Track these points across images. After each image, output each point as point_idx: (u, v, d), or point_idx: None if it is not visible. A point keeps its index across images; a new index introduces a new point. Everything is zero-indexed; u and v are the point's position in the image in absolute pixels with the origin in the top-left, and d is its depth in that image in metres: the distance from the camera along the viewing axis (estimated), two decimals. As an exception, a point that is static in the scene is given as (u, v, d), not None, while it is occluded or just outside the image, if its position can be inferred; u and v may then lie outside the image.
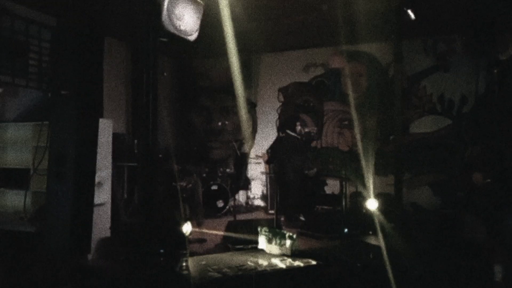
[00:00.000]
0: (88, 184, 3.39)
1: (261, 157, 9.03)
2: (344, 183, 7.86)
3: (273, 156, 7.65)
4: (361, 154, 8.17)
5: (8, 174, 5.64)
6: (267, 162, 8.34)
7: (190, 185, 7.88)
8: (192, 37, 4.17)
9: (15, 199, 5.55)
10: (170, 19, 3.86)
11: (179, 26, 3.98)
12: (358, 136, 8.44)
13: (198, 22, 4.19)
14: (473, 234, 5.03)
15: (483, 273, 4.30)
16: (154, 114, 3.47)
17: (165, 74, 8.67)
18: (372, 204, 5.96)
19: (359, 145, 8.37)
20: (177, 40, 4.14)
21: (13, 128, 5.82)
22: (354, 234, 6.08)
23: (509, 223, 4.91)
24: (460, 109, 7.65)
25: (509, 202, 4.94)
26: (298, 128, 7.66)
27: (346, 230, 6.14)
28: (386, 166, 7.92)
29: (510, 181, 4.86)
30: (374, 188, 7.96)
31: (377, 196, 7.63)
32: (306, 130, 7.99)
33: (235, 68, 7.66)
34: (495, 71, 4.95)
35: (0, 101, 6.13)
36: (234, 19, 6.09)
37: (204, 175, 8.23)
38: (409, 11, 5.97)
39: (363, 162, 7.51)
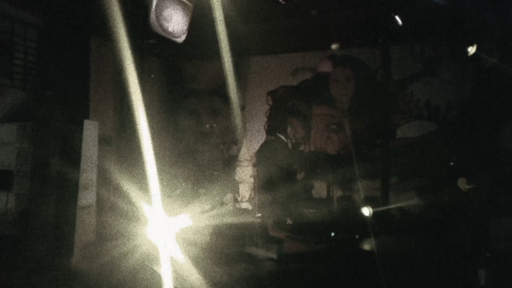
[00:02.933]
0: (72, 187, 3.34)
1: (249, 160, 9.02)
2: (331, 187, 7.88)
3: (261, 159, 7.65)
4: (349, 158, 8.22)
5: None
6: (255, 165, 8.34)
7: (179, 191, 7.85)
8: (180, 39, 4.15)
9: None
10: (158, 21, 3.84)
11: (167, 28, 3.96)
12: (345, 141, 8.48)
13: (187, 24, 4.18)
14: (458, 239, 5.08)
15: (468, 277, 4.34)
16: (139, 116, 3.44)
17: (152, 76, 8.60)
18: (366, 211, 6.04)
19: (347, 149, 8.42)
20: (165, 41, 4.12)
21: (-3, 128, 5.71)
22: (341, 238, 6.10)
23: (494, 228, 4.97)
24: (447, 114, 7.73)
25: (494, 207, 4.99)
26: (289, 131, 7.68)
27: (333, 234, 6.16)
28: (373, 170, 7.96)
29: (495, 186, 4.91)
30: (362, 192, 8.04)
31: (364, 200, 7.70)
32: (297, 134, 8.01)
33: (226, 71, 7.63)
34: (481, 77, 5.03)
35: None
36: (223, 21, 6.07)
37: (192, 178, 8.19)
38: (397, 17, 6.03)
39: (350, 166, 7.55)
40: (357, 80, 8.50)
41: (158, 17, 3.85)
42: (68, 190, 3.28)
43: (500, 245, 4.89)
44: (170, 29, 4.05)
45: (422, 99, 7.96)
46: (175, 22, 4.07)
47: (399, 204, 7.74)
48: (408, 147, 7.97)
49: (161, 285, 3.41)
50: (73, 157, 3.37)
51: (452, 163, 6.22)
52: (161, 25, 3.88)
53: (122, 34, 3.71)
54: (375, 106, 8.02)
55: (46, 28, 3.61)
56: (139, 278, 3.46)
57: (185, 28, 4.15)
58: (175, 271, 3.83)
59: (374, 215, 6.40)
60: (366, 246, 5.29)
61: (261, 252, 4.99)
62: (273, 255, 4.85)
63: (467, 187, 5.23)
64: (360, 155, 8.24)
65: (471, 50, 4.66)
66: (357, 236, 6.05)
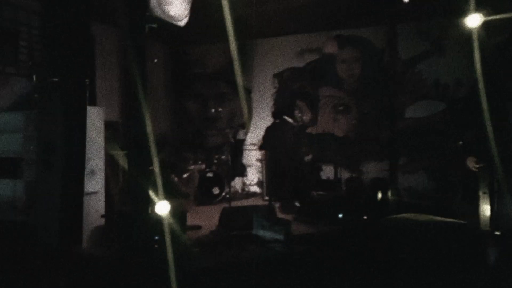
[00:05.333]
0: (77, 173, 3.37)
1: (256, 144, 9.01)
2: (339, 169, 7.86)
3: (268, 143, 7.63)
4: (356, 140, 8.17)
5: (0, 164, 5.62)
6: (260, 149, 8.33)
7: (187, 175, 7.90)
8: (182, 22, 4.12)
9: (7, 189, 5.52)
10: (159, 5, 3.80)
11: (169, 11, 3.93)
12: (353, 122, 8.42)
13: (188, 7, 4.14)
14: (465, 218, 5.05)
15: (476, 255, 4.33)
16: (143, 101, 3.43)
17: (155, 61, 8.56)
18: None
19: (354, 130, 8.37)
20: (167, 26, 4.09)
21: (5, 117, 5.77)
22: (349, 219, 6.10)
23: (506, 207, 4.93)
24: (455, 93, 7.62)
25: (504, 186, 4.95)
26: (296, 114, 7.65)
27: (341, 215, 6.16)
28: (381, 151, 7.91)
29: (504, 166, 4.86)
30: (369, 173, 8.01)
31: (372, 181, 7.68)
32: (304, 116, 7.98)
33: (231, 54, 7.55)
34: (489, 55, 4.93)
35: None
36: (227, 3, 5.99)
37: (200, 162, 8.23)
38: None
39: (358, 148, 7.50)
40: (364, 60, 8.39)
41: (159, 1, 3.82)
42: (73, 176, 3.31)
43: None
44: (172, 12, 4.01)
45: (430, 78, 7.84)
46: (177, 6, 4.03)
47: (408, 185, 7.71)
48: (417, 127, 7.89)
49: (169, 267, 3.45)
50: (78, 143, 3.39)
51: (461, 142, 6.15)
52: (162, 9, 3.85)
53: (123, 19, 3.68)
54: (382, 86, 7.93)
55: (47, 14, 3.59)
56: (147, 261, 3.51)
57: (186, 11, 4.11)
58: (183, 253, 3.87)
59: (383, 196, 6.40)
60: (374, 228, 5.28)
61: (269, 234, 5.01)
62: (281, 237, 4.87)
63: (476, 166, 5.18)
64: (367, 136, 8.19)
65: (475, 21, 4.56)
66: (365, 218, 6.05)
